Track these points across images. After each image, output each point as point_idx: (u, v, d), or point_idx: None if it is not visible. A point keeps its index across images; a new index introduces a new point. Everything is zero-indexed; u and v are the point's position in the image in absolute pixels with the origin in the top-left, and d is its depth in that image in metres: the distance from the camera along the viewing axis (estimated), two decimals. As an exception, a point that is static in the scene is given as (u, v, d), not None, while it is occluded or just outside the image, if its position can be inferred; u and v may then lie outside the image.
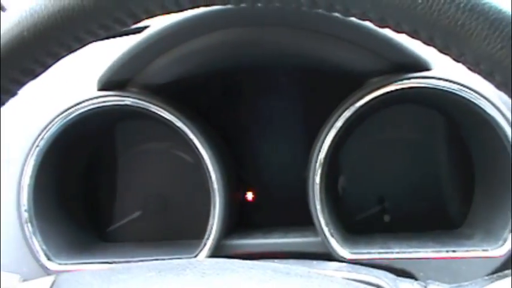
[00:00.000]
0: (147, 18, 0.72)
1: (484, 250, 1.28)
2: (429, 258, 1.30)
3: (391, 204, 1.57)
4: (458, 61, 0.66)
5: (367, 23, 1.09)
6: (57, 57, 0.72)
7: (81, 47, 0.73)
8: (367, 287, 0.70)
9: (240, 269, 0.69)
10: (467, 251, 1.30)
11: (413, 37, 0.67)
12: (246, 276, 0.67)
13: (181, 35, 1.27)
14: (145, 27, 1.29)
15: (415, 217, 1.56)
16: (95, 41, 0.74)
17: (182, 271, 0.67)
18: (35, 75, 0.73)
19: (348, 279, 0.72)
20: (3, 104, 0.74)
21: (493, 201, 1.37)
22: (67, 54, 0.73)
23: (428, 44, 0.67)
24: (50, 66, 0.74)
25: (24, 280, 1.29)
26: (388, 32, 1.22)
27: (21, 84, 0.73)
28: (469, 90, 1.25)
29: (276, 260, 1.25)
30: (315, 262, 1.29)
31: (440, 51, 0.67)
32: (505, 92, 0.63)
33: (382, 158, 1.59)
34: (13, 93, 0.73)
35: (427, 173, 1.56)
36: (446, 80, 1.26)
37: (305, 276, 0.68)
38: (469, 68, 0.66)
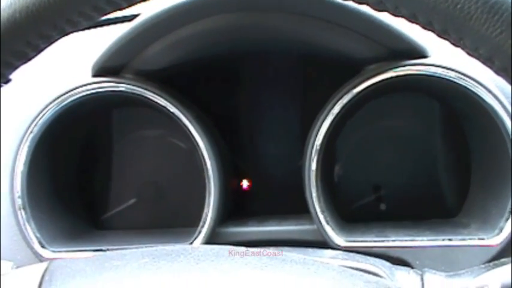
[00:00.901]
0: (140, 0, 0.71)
1: (480, 239, 1.28)
2: (425, 246, 1.29)
3: (387, 192, 1.56)
4: (457, 46, 0.66)
5: (365, 9, 1.09)
6: (50, 41, 0.71)
7: (74, 31, 0.72)
8: (364, 274, 0.69)
9: (235, 256, 0.68)
10: (463, 239, 1.29)
11: (411, 21, 0.67)
12: (240, 262, 0.66)
13: (176, 20, 1.26)
14: (137, 15, 1.28)
15: (411, 205, 1.56)
16: (89, 24, 0.73)
17: (176, 257, 0.67)
18: (27, 59, 0.72)
19: (344, 266, 0.71)
20: (-4, 87, 0.74)
21: (490, 190, 1.37)
22: (60, 38, 0.72)
23: (427, 29, 0.66)
24: (42, 49, 0.73)
25: (18, 267, 1.28)
26: (385, 18, 1.22)
27: (13, 67, 0.72)
28: (466, 78, 1.24)
29: (271, 248, 1.24)
30: (310, 250, 1.29)
31: (439, 35, 0.66)
32: (504, 78, 0.63)
33: (378, 146, 1.58)
34: (5, 77, 0.72)
35: (424, 161, 1.55)
36: (444, 68, 1.25)
37: (301, 263, 0.68)
38: (468, 53, 0.65)
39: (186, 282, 0.62)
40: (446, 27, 0.63)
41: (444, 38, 0.66)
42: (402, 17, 0.67)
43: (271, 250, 0.72)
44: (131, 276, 0.63)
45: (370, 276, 0.70)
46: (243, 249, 0.71)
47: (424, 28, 0.66)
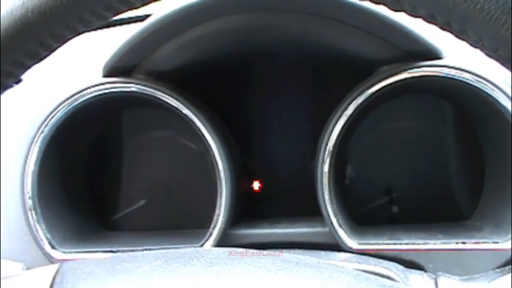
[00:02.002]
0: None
1: (494, 242, 1.27)
2: (438, 249, 1.28)
3: (399, 194, 1.55)
4: (475, 47, 0.65)
5: (378, 9, 1.08)
6: (63, 40, 0.71)
7: (86, 30, 0.71)
8: (379, 278, 0.68)
9: (249, 259, 0.67)
10: (477, 243, 1.28)
11: (429, 22, 0.66)
12: (254, 266, 0.65)
13: (188, 20, 1.25)
14: (149, 15, 1.27)
15: (423, 208, 1.55)
16: (101, 24, 0.72)
17: (189, 260, 0.66)
18: (39, 59, 0.72)
19: (358, 270, 0.70)
20: (8, 87, 0.73)
21: (504, 193, 1.35)
22: (72, 37, 0.71)
23: (445, 29, 0.65)
24: (55, 49, 0.72)
25: (28, 268, 1.28)
26: (399, 19, 1.21)
27: (26, 67, 0.71)
28: (482, 80, 1.23)
29: (283, 251, 1.23)
30: (323, 253, 1.28)
31: (457, 36, 0.65)
32: None
33: (390, 149, 1.57)
34: (17, 77, 0.71)
35: (436, 164, 1.54)
36: (459, 69, 1.24)
37: (315, 267, 0.67)
38: (487, 54, 0.64)
39: (199, 285, 0.61)
40: (465, 28, 0.62)
41: (462, 39, 0.65)
42: (419, 17, 0.65)
43: (284, 253, 0.71)
44: (143, 279, 0.63)
45: (385, 280, 0.69)
46: (256, 252, 0.70)
47: (442, 29, 0.65)
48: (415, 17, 0.66)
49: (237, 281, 0.62)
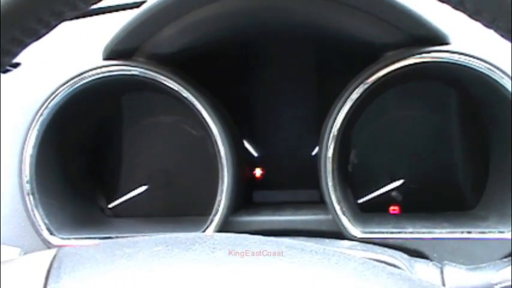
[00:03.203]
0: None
1: (499, 232, 1.25)
2: (443, 238, 1.27)
3: (403, 183, 1.53)
4: (489, 27, 0.63)
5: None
6: (62, 18, 0.68)
7: (86, 7, 0.69)
8: (386, 266, 0.66)
9: (253, 245, 0.65)
10: (482, 232, 1.26)
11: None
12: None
13: (189, 2, 1.22)
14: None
15: (427, 196, 1.53)
16: (100, 1, 0.70)
17: (191, 245, 0.64)
18: (37, 36, 0.69)
19: (363, 258, 0.68)
20: (6, 70, 0.71)
21: (509, 182, 1.33)
22: (72, 15, 0.69)
23: (458, 9, 0.63)
24: (53, 27, 0.69)
25: (26, 254, 1.26)
26: (406, 3, 1.18)
27: (23, 45, 0.69)
28: (489, 66, 1.21)
29: (286, 238, 1.21)
30: (327, 240, 1.27)
31: (471, 16, 0.63)
32: None
33: (395, 136, 1.55)
34: (15, 55, 0.69)
35: (441, 152, 1.52)
36: (466, 55, 1.22)
37: (321, 253, 0.65)
38: (502, 35, 0.62)
39: (201, 271, 0.59)
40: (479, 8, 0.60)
41: (460, 10, 0.63)
42: None
43: (289, 240, 0.69)
44: (144, 264, 0.61)
45: (392, 268, 0.67)
46: (260, 237, 0.68)
47: (455, 8, 0.63)
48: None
49: (241, 267, 0.60)
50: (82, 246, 0.68)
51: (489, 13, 0.59)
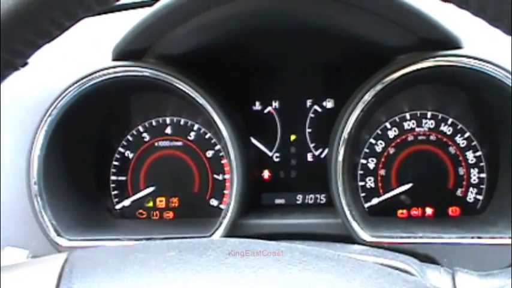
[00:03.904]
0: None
1: (510, 238, 1.24)
2: (454, 244, 1.26)
3: (411, 186, 1.52)
4: (493, 25, 0.63)
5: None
6: (76, 18, 0.68)
7: (101, 7, 0.68)
8: (400, 273, 0.65)
9: (266, 249, 0.64)
10: (493, 237, 1.26)
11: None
12: (273, 258, 0.62)
13: (200, 4, 1.22)
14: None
15: (436, 201, 1.52)
16: (115, 2, 0.69)
17: (205, 251, 0.63)
18: (51, 38, 0.69)
19: (376, 264, 0.67)
20: (18, 68, 0.70)
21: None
22: (86, 16, 0.68)
23: (462, 7, 0.63)
24: (67, 28, 0.69)
25: (34, 256, 1.26)
26: (419, 6, 1.18)
27: (37, 46, 0.68)
28: (502, 71, 1.20)
29: (296, 242, 1.20)
30: (338, 245, 1.26)
31: (475, 14, 0.63)
32: None
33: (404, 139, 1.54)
34: (27, 57, 0.68)
35: (451, 155, 1.51)
36: (478, 59, 1.21)
37: (336, 260, 0.64)
38: (506, 32, 0.62)
39: (215, 277, 0.59)
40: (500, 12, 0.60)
41: (496, 26, 0.63)
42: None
43: (302, 246, 0.68)
44: (157, 270, 0.60)
45: (407, 275, 0.66)
46: (272, 243, 0.67)
47: (460, 6, 0.63)
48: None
49: (256, 273, 0.59)
50: (93, 250, 0.67)
51: (493, 10, 0.59)
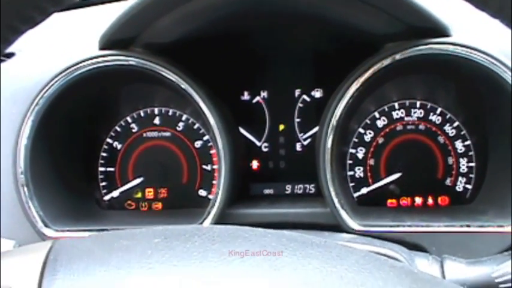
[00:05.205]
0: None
1: (499, 226, 1.25)
2: (442, 232, 1.26)
3: (401, 176, 1.52)
4: (495, 17, 0.62)
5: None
6: (58, 4, 0.67)
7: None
8: (388, 259, 0.65)
9: (253, 237, 0.64)
10: (481, 226, 1.26)
11: None
12: (259, 244, 0.62)
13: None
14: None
15: (425, 190, 1.52)
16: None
17: (190, 237, 0.62)
18: (34, 23, 0.68)
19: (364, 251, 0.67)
20: (1, 53, 0.69)
21: (507, 176, 1.33)
22: (69, 2, 0.67)
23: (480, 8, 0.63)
24: (50, 13, 0.68)
25: (20, 246, 1.25)
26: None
27: (19, 32, 0.67)
28: (490, 59, 1.20)
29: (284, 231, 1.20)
30: (326, 233, 1.26)
31: (477, 6, 0.62)
32: None
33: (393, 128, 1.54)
34: (10, 42, 0.67)
35: (440, 144, 1.51)
36: (467, 47, 1.21)
37: (322, 246, 0.64)
38: (508, 25, 0.62)
39: (202, 264, 0.58)
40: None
41: (482, 9, 0.62)
42: None
43: (289, 232, 0.67)
44: (142, 257, 0.59)
45: (394, 261, 0.66)
46: (260, 230, 0.67)
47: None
48: None
49: (242, 259, 0.59)
50: (78, 238, 0.66)
51: (495, 2, 0.58)
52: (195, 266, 0.58)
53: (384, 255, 1.07)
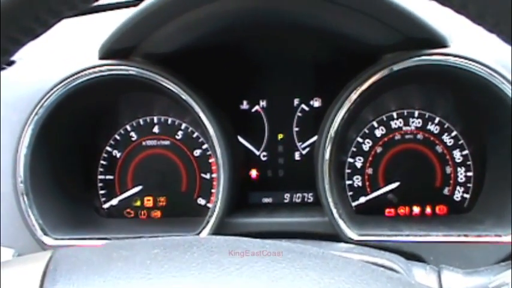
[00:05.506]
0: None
1: (496, 235, 1.25)
2: (440, 242, 1.26)
3: (399, 185, 1.52)
4: (492, 32, 0.62)
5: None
6: (60, 16, 0.67)
7: (85, 5, 0.68)
8: (385, 270, 0.65)
9: (251, 248, 0.64)
10: (479, 235, 1.26)
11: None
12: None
13: (186, 2, 1.21)
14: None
15: (423, 199, 1.52)
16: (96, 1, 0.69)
17: (189, 248, 0.63)
18: (34, 35, 0.68)
19: (361, 261, 0.68)
20: (2, 64, 0.70)
21: (505, 186, 1.33)
22: (70, 13, 0.68)
23: (461, 13, 0.63)
24: (51, 26, 0.68)
25: (19, 255, 1.25)
26: (405, 5, 1.18)
27: (20, 44, 0.68)
28: (488, 70, 1.21)
29: (282, 240, 1.20)
30: (323, 243, 1.26)
31: (473, 20, 0.63)
32: None
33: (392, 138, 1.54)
34: (11, 54, 0.68)
35: (438, 154, 1.51)
36: (465, 58, 1.22)
37: (320, 257, 0.64)
38: (504, 40, 0.62)
39: (200, 275, 0.58)
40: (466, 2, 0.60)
41: (462, 14, 0.63)
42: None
43: (287, 243, 0.68)
44: (141, 267, 0.60)
45: (391, 272, 0.66)
46: (258, 241, 0.67)
47: (458, 12, 0.63)
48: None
49: (240, 271, 0.59)
50: (78, 248, 0.67)
51: (492, 17, 0.59)
52: (194, 277, 0.58)
53: (382, 265, 1.07)
